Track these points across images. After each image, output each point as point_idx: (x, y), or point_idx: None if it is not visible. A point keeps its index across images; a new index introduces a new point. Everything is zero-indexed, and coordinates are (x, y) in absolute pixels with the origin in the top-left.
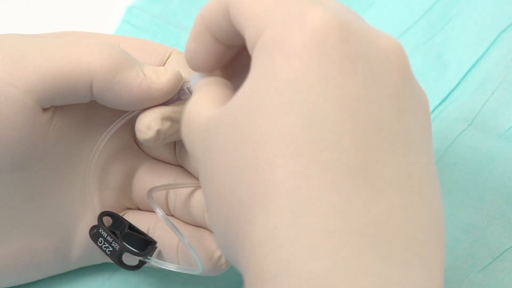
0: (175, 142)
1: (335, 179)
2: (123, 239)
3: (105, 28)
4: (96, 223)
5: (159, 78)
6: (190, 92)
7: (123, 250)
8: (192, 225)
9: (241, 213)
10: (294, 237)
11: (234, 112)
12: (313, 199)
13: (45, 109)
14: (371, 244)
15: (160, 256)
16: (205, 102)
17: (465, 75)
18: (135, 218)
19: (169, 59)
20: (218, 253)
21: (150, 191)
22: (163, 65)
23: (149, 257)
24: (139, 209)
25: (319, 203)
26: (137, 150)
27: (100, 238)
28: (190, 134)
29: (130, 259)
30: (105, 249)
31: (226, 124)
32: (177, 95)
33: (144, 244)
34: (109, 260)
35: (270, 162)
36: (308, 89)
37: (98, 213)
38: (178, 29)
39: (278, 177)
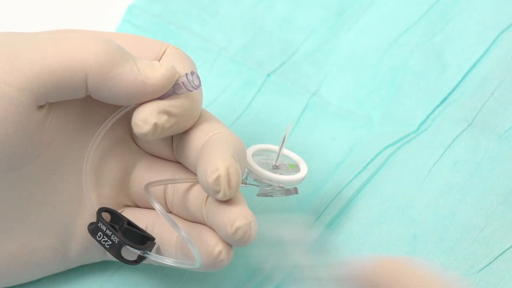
0: (172, 137)
1: None
2: (122, 234)
3: (105, 28)
4: (94, 220)
5: (153, 73)
6: (185, 87)
7: (123, 243)
8: (190, 221)
9: None
10: None
11: None
12: None
13: (40, 106)
14: None
15: (158, 253)
16: None
17: (465, 75)
18: (133, 215)
19: (164, 54)
20: (218, 248)
21: (147, 186)
22: (159, 60)
23: (148, 252)
24: (137, 206)
25: None
26: (134, 146)
27: (99, 232)
28: None
29: (129, 254)
30: (104, 243)
31: None
32: (172, 90)
33: (143, 239)
34: (108, 257)
35: None
36: None
37: (96, 209)
38: (178, 29)
39: None
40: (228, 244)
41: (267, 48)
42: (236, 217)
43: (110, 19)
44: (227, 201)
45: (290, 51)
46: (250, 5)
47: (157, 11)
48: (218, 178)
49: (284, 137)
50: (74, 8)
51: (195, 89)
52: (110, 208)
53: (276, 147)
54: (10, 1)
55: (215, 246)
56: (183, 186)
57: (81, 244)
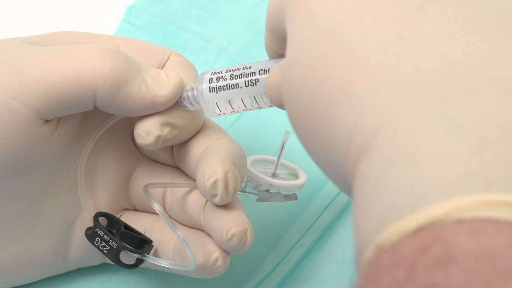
0: None
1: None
2: (119, 238)
3: (105, 28)
4: (92, 224)
5: (162, 90)
6: (190, 102)
7: (121, 248)
8: (189, 227)
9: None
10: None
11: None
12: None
13: (48, 120)
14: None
15: (156, 257)
16: None
17: None
18: (132, 219)
19: (168, 61)
20: (215, 255)
21: (146, 186)
22: (162, 67)
23: (146, 255)
24: (136, 210)
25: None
26: (134, 150)
27: (97, 238)
28: None
29: (127, 258)
30: (102, 248)
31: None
32: (177, 102)
33: (141, 243)
34: (106, 260)
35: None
36: None
37: (93, 214)
38: (178, 29)
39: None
40: (225, 252)
41: None
42: (232, 223)
43: (110, 19)
44: (224, 207)
45: None
46: (250, 5)
47: (157, 11)
48: (216, 182)
49: (283, 144)
50: (74, 8)
51: (199, 104)
52: (106, 213)
53: (274, 158)
54: (10, 1)
55: (212, 253)
56: (182, 191)
57: (80, 246)
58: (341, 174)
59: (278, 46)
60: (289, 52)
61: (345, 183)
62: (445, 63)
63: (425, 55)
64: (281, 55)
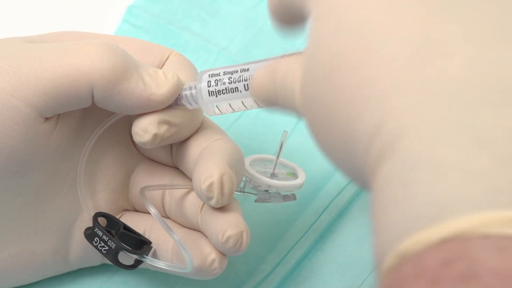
0: (171, 143)
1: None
2: (118, 238)
3: (105, 28)
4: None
5: (159, 88)
6: (188, 100)
7: (119, 248)
8: (188, 228)
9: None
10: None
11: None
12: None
13: (48, 118)
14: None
15: (155, 258)
16: None
17: None
18: (131, 220)
19: (167, 61)
20: (211, 256)
21: (143, 189)
22: (161, 66)
23: (144, 256)
24: (136, 211)
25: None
26: (134, 150)
27: (96, 238)
28: None
29: (126, 259)
30: (100, 248)
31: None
32: (175, 101)
33: (140, 243)
34: (106, 260)
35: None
36: None
37: (93, 214)
38: (178, 29)
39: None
40: (222, 253)
41: (267, 48)
42: (228, 226)
43: (110, 19)
44: (221, 209)
45: (290, 51)
46: (250, 5)
47: (157, 11)
48: (211, 185)
49: (282, 144)
50: (74, 8)
51: (197, 103)
52: (106, 213)
53: (274, 157)
54: (10, 1)
55: (209, 254)
56: (180, 192)
57: (80, 247)
58: (358, 169)
59: (285, 16)
60: (311, 43)
61: (361, 178)
62: (473, 69)
63: (452, 60)
64: (283, 21)
